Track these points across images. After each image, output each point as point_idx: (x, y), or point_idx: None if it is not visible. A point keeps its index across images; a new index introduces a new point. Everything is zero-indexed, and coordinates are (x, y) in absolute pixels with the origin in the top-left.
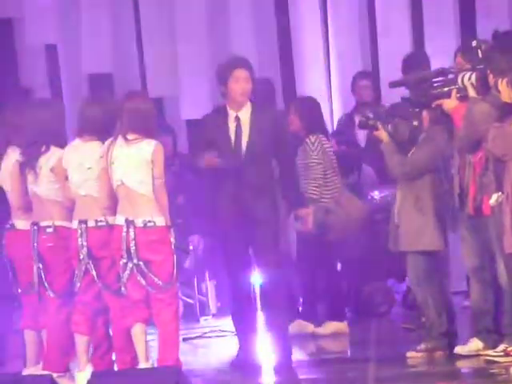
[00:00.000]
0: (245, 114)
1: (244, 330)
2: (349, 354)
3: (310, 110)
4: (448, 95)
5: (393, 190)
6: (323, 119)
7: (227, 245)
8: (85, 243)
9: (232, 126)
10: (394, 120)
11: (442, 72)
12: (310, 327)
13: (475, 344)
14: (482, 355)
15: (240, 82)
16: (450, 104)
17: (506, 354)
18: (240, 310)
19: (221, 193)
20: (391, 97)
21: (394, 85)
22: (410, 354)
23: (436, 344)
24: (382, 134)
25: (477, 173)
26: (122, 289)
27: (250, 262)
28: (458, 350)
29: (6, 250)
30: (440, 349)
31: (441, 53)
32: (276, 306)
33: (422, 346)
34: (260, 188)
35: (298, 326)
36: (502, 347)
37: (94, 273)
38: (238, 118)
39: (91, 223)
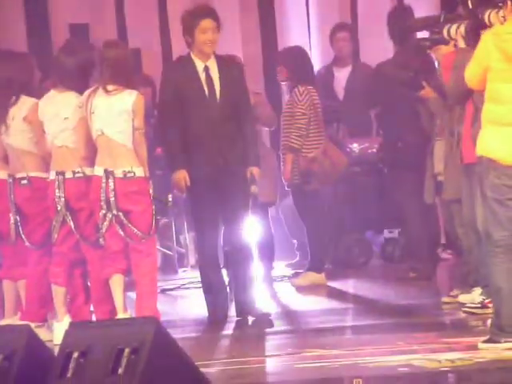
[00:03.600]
0: (212, 64)
1: (211, 284)
2: (326, 305)
3: (299, 59)
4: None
5: (372, 143)
6: (312, 69)
7: (200, 200)
8: (62, 195)
9: (202, 75)
10: None
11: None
12: (321, 278)
13: (477, 292)
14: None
15: (207, 33)
16: (443, 50)
17: (483, 306)
18: (207, 267)
19: (197, 146)
20: (370, 50)
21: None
22: (444, 299)
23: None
24: (430, 91)
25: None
26: (101, 240)
27: (218, 220)
28: (461, 298)
29: None
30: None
31: (418, 10)
32: (241, 261)
33: (456, 292)
34: (235, 138)
35: (309, 277)
36: (479, 299)
37: (71, 224)
38: (207, 68)
39: (68, 174)
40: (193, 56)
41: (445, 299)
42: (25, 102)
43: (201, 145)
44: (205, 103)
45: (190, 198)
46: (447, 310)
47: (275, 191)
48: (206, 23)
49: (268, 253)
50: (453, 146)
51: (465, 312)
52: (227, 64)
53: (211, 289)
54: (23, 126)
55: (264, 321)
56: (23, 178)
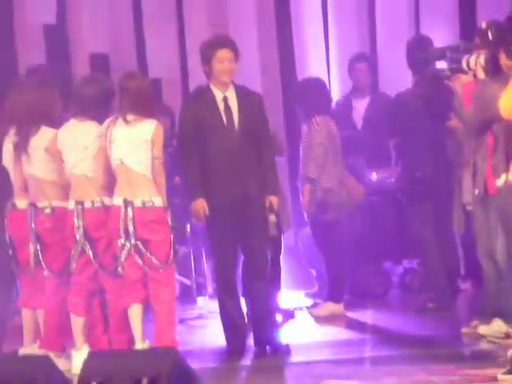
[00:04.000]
0: (231, 93)
1: (230, 314)
2: (345, 335)
3: (315, 90)
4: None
5: (391, 172)
6: (330, 100)
7: (218, 229)
8: (81, 224)
9: (221, 105)
10: None
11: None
12: (339, 308)
13: (497, 324)
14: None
15: (224, 63)
16: (463, 79)
17: (508, 337)
18: (225, 297)
19: (215, 175)
20: (388, 79)
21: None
22: (464, 330)
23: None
24: (457, 122)
25: (489, 154)
26: (119, 269)
27: (237, 249)
28: (481, 329)
29: (7, 229)
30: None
31: (437, 40)
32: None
33: (476, 323)
34: (254, 167)
35: (328, 307)
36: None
37: (90, 253)
38: (225, 98)
39: (88, 204)
40: (212, 86)
41: (465, 330)
42: (46, 133)
43: (220, 174)
44: (223, 133)
45: (209, 227)
46: (466, 340)
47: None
48: (223, 53)
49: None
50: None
51: (490, 342)
52: (246, 94)
53: (229, 318)
54: (45, 157)
55: (282, 351)
56: (46, 207)
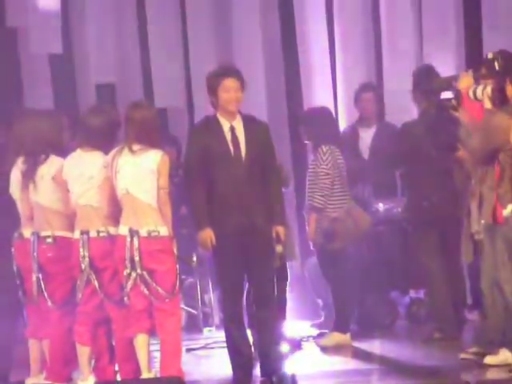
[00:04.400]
0: (238, 123)
1: (236, 344)
2: (352, 365)
3: (321, 120)
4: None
5: (397, 203)
6: (336, 129)
7: (224, 259)
8: (86, 254)
9: (228, 135)
10: None
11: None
12: (346, 338)
13: (504, 354)
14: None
15: (230, 92)
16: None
17: None
18: (232, 327)
19: (222, 205)
20: (395, 110)
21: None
22: (462, 355)
23: (487, 349)
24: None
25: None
26: (125, 299)
27: (243, 279)
28: (488, 360)
29: (14, 259)
30: (489, 353)
31: (444, 67)
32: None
33: (475, 349)
34: (261, 197)
35: (334, 337)
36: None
37: (95, 283)
38: (232, 128)
39: (93, 234)
40: (219, 116)
41: (462, 355)
42: (54, 162)
43: (226, 204)
44: (230, 163)
45: (215, 257)
46: (473, 371)
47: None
48: (229, 82)
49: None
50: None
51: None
52: (253, 123)
53: (236, 348)
54: (52, 186)
55: (288, 381)
56: (48, 237)
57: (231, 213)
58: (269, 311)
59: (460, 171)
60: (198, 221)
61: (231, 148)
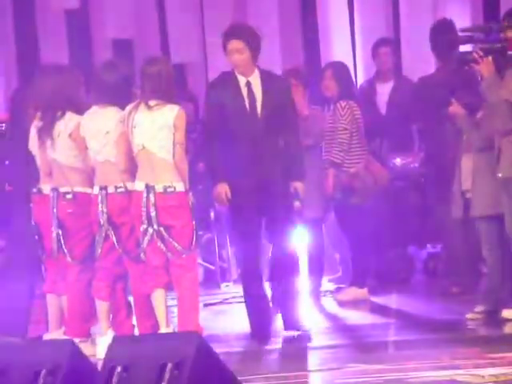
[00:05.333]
0: (255, 79)
1: (254, 298)
2: (369, 320)
3: (344, 75)
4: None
5: (414, 157)
6: (353, 84)
7: (240, 214)
8: (105, 209)
9: (244, 90)
10: None
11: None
12: (363, 293)
13: None
14: None
15: (233, 54)
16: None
17: None
18: (249, 281)
19: (239, 160)
20: (413, 64)
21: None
22: (469, 315)
23: (493, 308)
24: (458, 108)
25: None
26: (142, 255)
27: (260, 233)
28: (505, 313)
29: (33, 214)
30: (496, 312)
31: (461, 20)
32: (286, 276)
33: (481, 308)
34: (275, 153)
35: (351, 292)
36: None
37: (114, 239)
38: (249, 83)
39: (111, 189)
40: (236, 71)
41: (469, 316)
42: (71, 119)
43: (243, 159)
44: (246, 118)
45: (231, 213)
46: (491, 324)
47: (324, 206)
48: (231, 45)
49: (317, 268)
50: (481, 163)
51: None
52: (272, 79)
53: (254, 302)
54: (69, 143)
55: (305, 336)
56: (68, 193)
57: (247, 168)
58: (288, 265)
59: (451, 127)
60: (214, 175)
61: (247, 103)
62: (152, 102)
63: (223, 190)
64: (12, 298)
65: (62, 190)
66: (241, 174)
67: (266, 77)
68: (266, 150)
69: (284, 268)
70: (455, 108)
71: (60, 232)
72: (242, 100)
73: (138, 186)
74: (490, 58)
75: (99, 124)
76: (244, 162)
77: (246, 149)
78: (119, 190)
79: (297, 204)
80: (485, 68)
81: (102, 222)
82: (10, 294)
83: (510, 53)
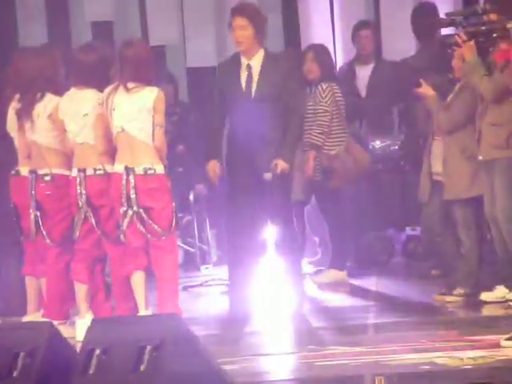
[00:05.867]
0: (256, 62)
1: (241, 280)
2: (348, 302)
3: (326, 57)
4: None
5: (394, 140)
6: (334, 67)
7: (234, 197)
8: (84, 191)
9: (243, 74)
10: None
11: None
12: (342, 275)
13: (500, 291)
14: (507, 301)
15: (236, 31)
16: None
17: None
18: (239, 261)
19: (232, 142)
20: (392, 48)
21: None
22: (447, 298)
23: (471, 291)
24: (427, 89)
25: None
26: (121, 237)
27: (256, 212)
28: (483, 296)
29: (11, 196)
30: (473, 295)
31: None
32: (290, 255)
33: (459, 291)
34: (271, 135)
35: (331, 274)
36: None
37: (93, 221)
38: (249, 67)
39: (90, 171)
40: (239, 50)
41: (448, 298)
42: (51, 100)
43: (236, 141)
44: (241, 100)
45: (227, 194)
46: (471, 307)
47: (306, 189)
48: (235, 21)
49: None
50: (451, 146)
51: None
52: (274, 61)
53: (237, 284)
54: (48, 124)
55: (286, 317)
56: (46, 175)
57: (240, 149)
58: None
59: (421, 109)
60: (206, 152)
61: (243, 86)
62: (130, 85)
63: (211, 167)
64: None
65: (41, 172)
66: (234, 156)
67: (269, 58)
68: (259, 133)
69: (287, 249)
70: (425, 89)
71: (38, 214)
72: (238, 83)
73: (118, 168)
74: (473, 41)
75: (77, 106)
76: (237, 145)
77: (239, 131)
78: (98, 172)
79: (266, 175)
80: (467, 51)
81: (80, 204)
82: None
83: (494, 35)
